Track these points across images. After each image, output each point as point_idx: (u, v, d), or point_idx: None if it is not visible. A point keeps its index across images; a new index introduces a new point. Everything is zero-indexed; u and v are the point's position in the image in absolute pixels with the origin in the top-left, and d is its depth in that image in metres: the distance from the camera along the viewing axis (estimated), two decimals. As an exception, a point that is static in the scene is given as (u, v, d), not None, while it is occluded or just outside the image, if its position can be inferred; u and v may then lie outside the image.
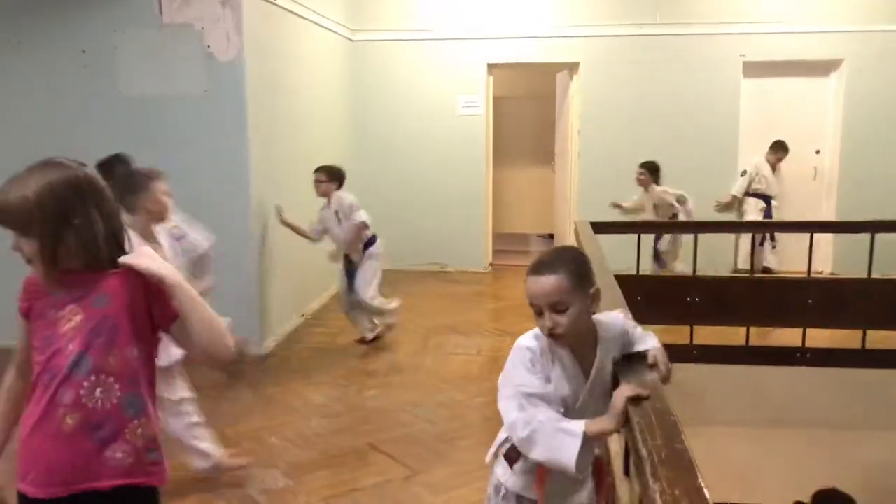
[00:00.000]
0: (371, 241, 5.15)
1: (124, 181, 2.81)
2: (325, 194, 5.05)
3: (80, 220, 1.48)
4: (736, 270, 7.20)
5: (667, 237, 6.03)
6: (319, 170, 5.10)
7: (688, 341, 4.50)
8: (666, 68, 7.32)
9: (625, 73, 7.36)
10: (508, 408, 1.71)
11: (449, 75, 7.50)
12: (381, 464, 3.45)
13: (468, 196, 7.66)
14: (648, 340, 1.82)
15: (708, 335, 4.61)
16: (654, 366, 1.74)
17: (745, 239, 7.09)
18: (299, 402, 4.24)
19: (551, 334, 1.68)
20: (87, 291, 1.52)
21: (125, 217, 2.77)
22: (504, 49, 7.46)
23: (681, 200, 5.92)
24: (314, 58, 6.39)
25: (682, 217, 5.93)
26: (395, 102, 7.60)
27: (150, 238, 2.84)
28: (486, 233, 7.86)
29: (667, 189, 5.97)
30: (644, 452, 1.41)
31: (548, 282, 1.66)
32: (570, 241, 7.62)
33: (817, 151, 7.51)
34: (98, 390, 1.49)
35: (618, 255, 5.04)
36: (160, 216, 2.91)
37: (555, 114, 8.47)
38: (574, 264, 1.70)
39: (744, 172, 7.17)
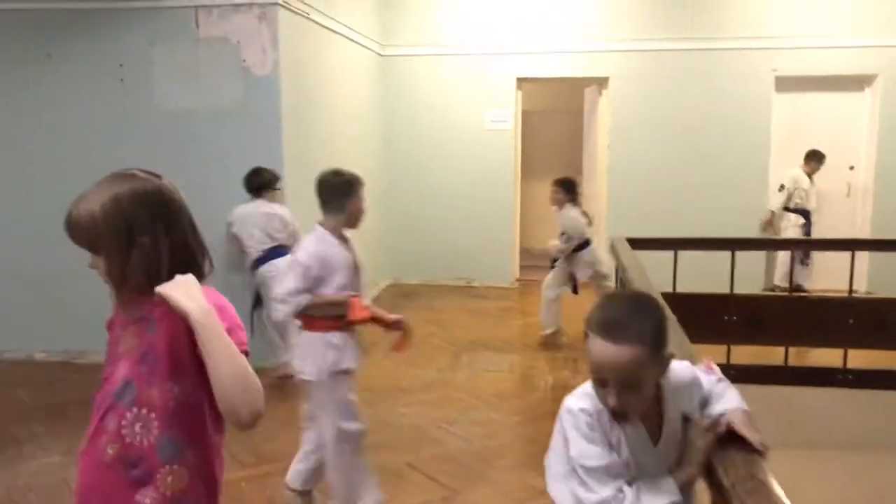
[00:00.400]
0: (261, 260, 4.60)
1: (342, 181, 2.90)
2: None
3: (144, 236, 1.39)
4: (772, 287, 7.10)
5: (587, 265, 5.52)
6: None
7: (725, 361, 4.41)
8: (696, 83, 7.26)
9: (655, 87, 7.31)
10: (563, 495, 1.47)
11: (478, 90, 7.50)
12: (419, 484, 3.40)
13: (496, 210, 7.62)
14: (727, 398, 1.54)
15: (745, 355, 4.52)
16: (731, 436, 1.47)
17: (782, 255, 7.03)
18: (332, 419, 4.20)
19: (615, 413, 1.41)
20: (146, 314, 1.42)
21: (327, 219, 2.85)
22: (533, 64, 7.45)
23: (565, 240, 5.45)
24: (345, 72, 6.40)
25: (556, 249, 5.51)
26: (424, 116, 7.60)
27: (343, 241, 2.91)
28: (514, 247, 7.81)
29: (582, 214, 5.53)
30: (727, 483, 1.36)
31: (622, 353, 1.34)
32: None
33: (851, 167, 7.41)
34: (138, 425, 1.41)
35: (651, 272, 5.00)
36: (357, 222, 2.97)
37: (582, 128, 8.44)
38: (654, 328, 1.39)
39: (781, 187, 7.08)
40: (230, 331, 1.37)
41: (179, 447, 1.42)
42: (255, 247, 4.60)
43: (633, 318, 1.38)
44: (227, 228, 4.66)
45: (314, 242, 2.84)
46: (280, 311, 2.84)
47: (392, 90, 7.56)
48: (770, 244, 6.83)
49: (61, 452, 3.74)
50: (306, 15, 5.29)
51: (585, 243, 5.51)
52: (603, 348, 1.36)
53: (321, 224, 2.89)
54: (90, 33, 5.02)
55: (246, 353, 1.39)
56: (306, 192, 5.23)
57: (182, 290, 1.33)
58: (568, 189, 5.49)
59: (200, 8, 4.87)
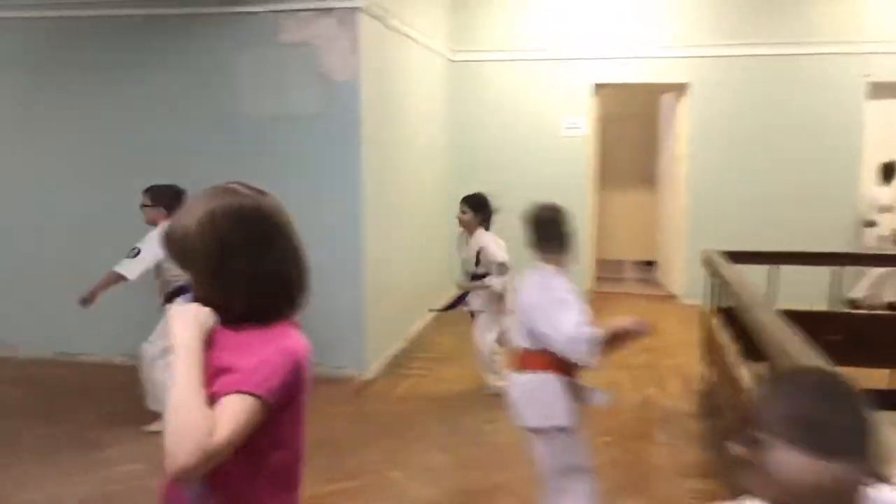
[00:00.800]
0: (176, 293, 3.78)
1: (559, 215, 2.78)
2: (153, 222, 3.95)
3: (236, 258, 1.29)
4: (848, 300, 6.72)
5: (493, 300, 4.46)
6: (146, 191, 4.02)
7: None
8: (781, 90, 6.95)
9: (737, 94, 7.03)
10: None
11: (552, 96, 7.31)
12: (513, 507, 3.24)
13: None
14: None
15: (848, 377, 4.23)
16: None
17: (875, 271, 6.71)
18: (414, 433, 4.08)
19: None
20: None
21: (549, 256, 2.70)
22: (611, 69, 7.23)
23: (501, 271, 4.37)
24: (419, 78, 6.32)
25: (492, 287, 4.38)
26: (495, 122, 7.44)
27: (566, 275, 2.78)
28: (589, 259, 7.56)
29: (496, 242, 4.44)
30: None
31: (830, 472, 0.96)
32: (675, 267, 7.27)
33: (948, 177, 6.99)
34: None
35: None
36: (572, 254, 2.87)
37: (657, 135, 8.18)
38: (865, 430, 0.98)
39: (889, 208, 6.83)
40: (225, 371, 1.24)
41: (202, 493, 1.29)
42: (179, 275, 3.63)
43: (837, 416, 0.97)
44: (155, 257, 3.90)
45: (553, 278, 2.66)
46: (582, 347, 2.51)
47: (461, 95, 7.43)
48: (877, 260, 6.41)
49: (143, 459, 3.70)
50: (384, 20, 5.21)
51: (485, 273, 4.51)
52: (802, 466, 0.96)
53: (544, 262, 2.71)
54: (171, 39, 5.04)
55: (263, 401, 1.22)
56: (383, 196, 5.19)
57: (182, 318, 1.27)
58: (477, 208, 4.42)
59: (281, 13, 4.84)
